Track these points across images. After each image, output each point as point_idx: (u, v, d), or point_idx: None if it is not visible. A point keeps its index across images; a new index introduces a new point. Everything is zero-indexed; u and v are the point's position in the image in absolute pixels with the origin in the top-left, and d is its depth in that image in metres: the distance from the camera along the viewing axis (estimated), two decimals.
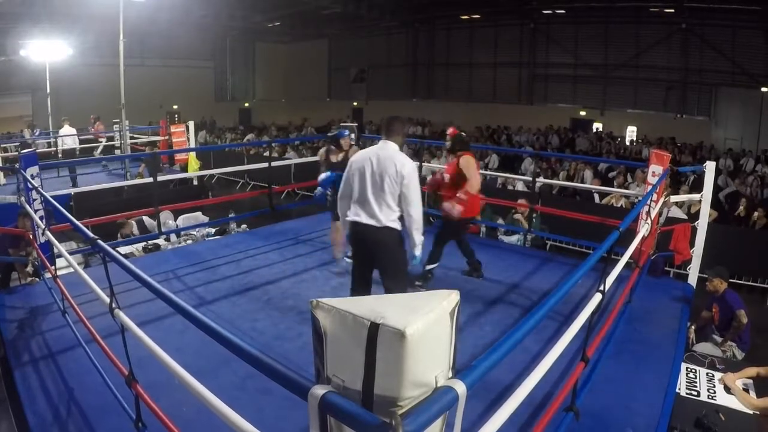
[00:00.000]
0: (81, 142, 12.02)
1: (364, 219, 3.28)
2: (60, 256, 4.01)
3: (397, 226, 3.27)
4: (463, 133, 4.60)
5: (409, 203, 3.23)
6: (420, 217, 3.28)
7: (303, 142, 16.12)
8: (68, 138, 11.24)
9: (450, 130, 4.66)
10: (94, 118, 13.06)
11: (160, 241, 6.36)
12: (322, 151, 5.15)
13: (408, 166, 3.21)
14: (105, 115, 14.52)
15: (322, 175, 4.92)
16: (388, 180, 3.20)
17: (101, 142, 13.00)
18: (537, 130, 18.89)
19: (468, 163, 4.37)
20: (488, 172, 11.12)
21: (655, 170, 4.83)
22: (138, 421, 2.40)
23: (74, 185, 9.95)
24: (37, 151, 5.62)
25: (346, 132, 5.14)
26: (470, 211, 4.58)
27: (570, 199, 10.18)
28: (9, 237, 5.24)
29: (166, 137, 12.00)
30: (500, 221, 8.08)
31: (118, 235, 6.65)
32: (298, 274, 4.86)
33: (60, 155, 11.08)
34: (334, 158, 4.95)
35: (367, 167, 3.27)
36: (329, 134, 5.19)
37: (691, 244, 4.81)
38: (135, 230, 6.86)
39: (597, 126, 19.09)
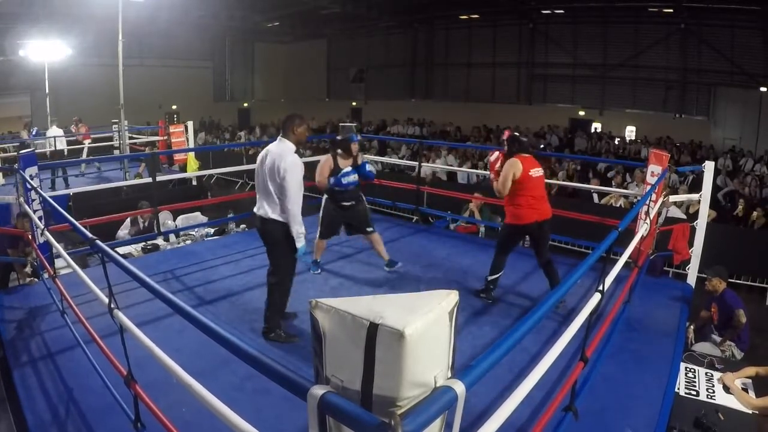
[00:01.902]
0: (67, 144, 11.90)
1: (258, 211, 3.56)
2: (59, 256, 4.01)
3: (283, 219, 3.46)
4: (516, 134, 4.21)
5: (284, 197, 3.39)
6: (295, 210, 3.42)
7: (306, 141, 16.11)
8: (56, 140, 11.18)
9: (505, 134, 4.28)
10: (76, 120, 12.98)
11: (159, 241, 6.35)
12: (327, 157, 4.78)
13: (287, 161, 3.36)
14: (104, 115, 14.49)
15: (349, 173, 4.63)
16: (270, 175, 3.41)
17: (84, 144, 12.79)
18: (539, 129, 18.89)
19: (508, 165, 4.05)
20: (487, 172, 11.09)
21: (654, 170, 4.83)
22: (137, 421, 2.40)
23: (60, 186, 9.93)
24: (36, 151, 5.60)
25: (357, 137, 4.85)
26: (515, 217, 4.15)
27: (569, 198, 10.18)
28: (8, 237, 5.24)
29: (165, 137, 11.98)
30: (500, 221, 8.08)
31: (128, 222, 6.73)
32: (297, 274, 4.83)
33: (48, 156, 11.01)
34: (343, 165, 4.70)
35: (261, 162, 3.52)
36: (338, 137, 4.87)
37: (690, 244, 4.82)
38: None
39: (596, 126, 19.09)
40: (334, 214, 4.80)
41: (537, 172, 4.13)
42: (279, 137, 3.52)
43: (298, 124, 3.50)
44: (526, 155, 4.10)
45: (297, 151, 3.52)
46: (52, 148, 10.93)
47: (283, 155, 3.39)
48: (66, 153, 11.32)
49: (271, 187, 3.43)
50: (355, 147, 4.75)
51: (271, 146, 3.53)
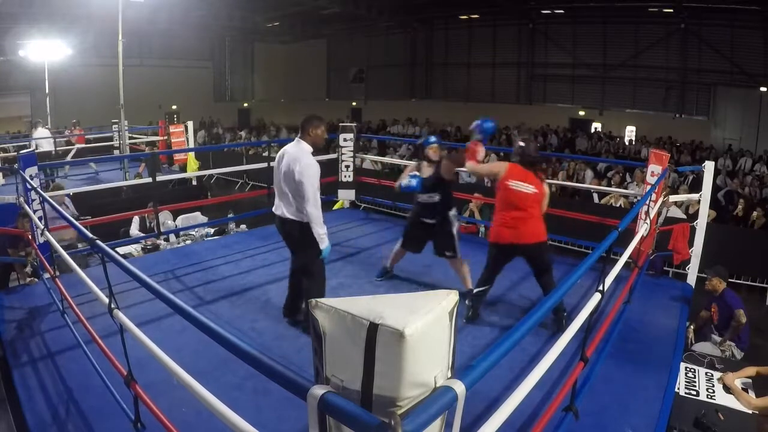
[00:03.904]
0: (59, 145, 11.85)
1: (276, 210, 3.60)
2: (59, 256, 4.01)
3: (299, 218, 3.45)
4: (521, 144, 3.78)
5: (302, 200, 3.37)
6: (314, 212, 3.38)
7: None
8: (43, 141, 11.12)
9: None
10: (74, 123, 12.94)
11: (159, 241, 6.35)
12: (413, 165, 4.51)
13: (302, 163, 3.34)
14: (104, 115, 14.49)
15: (410, 180, 4.23)
16: (286, 176, 3.42)
17: (74, 146, 12.64)
18: (538, 129, 18.90)
19: (496, 162, 3.81)
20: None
21: (654, 170, 4.83)
22: (137, 422, 2.40)
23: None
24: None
25: (432, 139, 4.40)
26: (491, 234, 3.86)
27: (569, 198, 10.19)
28: (8, 237, 5.24)
29: (165, 137, 11.98)
30: None
31: (137, 219, 6.73)
32: None
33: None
34: (425, 172, 4.33)
35: (277, 163, 3.55)
36: (418, 142, 4.50)
37: (690, 244, 4.82)
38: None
39: (596, 126, 19.09)
40: (416, 228, 4.46)
41: (524, 187, 3.67)
42: (297, 138, 3.50)
43: (316, 125, 3.46)
44: (524, 168, 3.70)
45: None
46: (39, 150, 10.88)
47: (298, 157, 3.37)
48: (53, 154, 11.23)
49: (286, 189, 3.44)
50: (432, 151, 4.33)
51: (287, 147, 3.53)
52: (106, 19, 12.22)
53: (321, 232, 3.44)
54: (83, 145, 12.66)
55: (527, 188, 3.68)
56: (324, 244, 3.48)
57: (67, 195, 7.45)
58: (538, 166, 3.75)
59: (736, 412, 3.20)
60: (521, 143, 3.78)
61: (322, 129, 3.49)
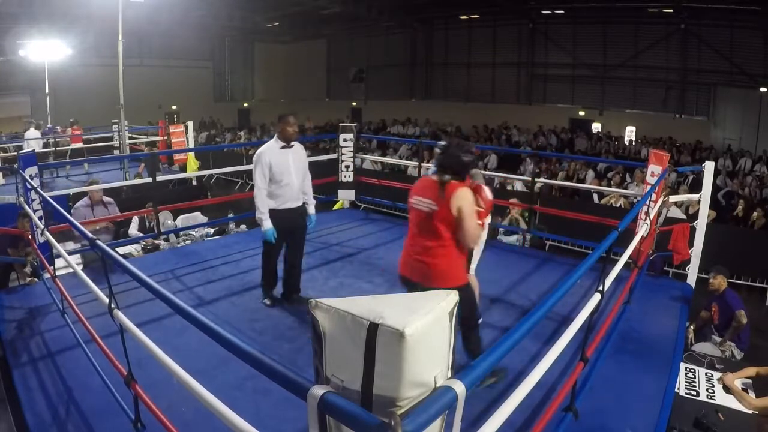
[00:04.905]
0: (56, 145, 11.81)
1: None
2: (59, 256, 4.01)
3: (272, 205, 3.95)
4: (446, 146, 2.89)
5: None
6: (255, 195, 3.93)
7: (302, 141, 16.12)
8: (32, 142, 11.09)
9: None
10: (72, 122, 12.93)
11: (159, 241, 6.35)
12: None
13: (257, 153, 3.91)
14: (104, 115, 14.48)
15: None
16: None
17: (70, 146, 12.55)
18: (537, 129, 18.90)
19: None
20: (486, 172, 11.10)
21: (654, 170, 4.83)
22: (137, 421, 2.40)
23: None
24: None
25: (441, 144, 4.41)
26: (400, 264, 3.09)
27: (569, 199, 10.19)
28: (8, 237, 5.24)
29: (165, 137, 11.98)
30: (499, 221, 8.06)
31: (136, 220, 6.72)
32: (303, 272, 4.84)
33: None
34: None
35: None
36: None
37: (690, 244, 4.82)
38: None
39: (596, 126, 19.08)
40: None
41: (421, 203, 2.77)
42: (275, 135, 4.01)
43: (283, 122, 3.94)
44: (436, 176, 2.76)
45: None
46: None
47: (261, 148, 3.93)
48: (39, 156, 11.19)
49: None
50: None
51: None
52: (106, 19, 12.22)
53: (257, 215, 3.93)
54: (80, 145, 12.62)
55: (423, 204, 2.75)
56: (263, 227, 3.92)
57: (70, 194, 7.46)
58: (461, 173, 2.76)
59: (736, 412, 3.20)
60: (441, 142, 2.92)
61: (290, 125, 3.95)
